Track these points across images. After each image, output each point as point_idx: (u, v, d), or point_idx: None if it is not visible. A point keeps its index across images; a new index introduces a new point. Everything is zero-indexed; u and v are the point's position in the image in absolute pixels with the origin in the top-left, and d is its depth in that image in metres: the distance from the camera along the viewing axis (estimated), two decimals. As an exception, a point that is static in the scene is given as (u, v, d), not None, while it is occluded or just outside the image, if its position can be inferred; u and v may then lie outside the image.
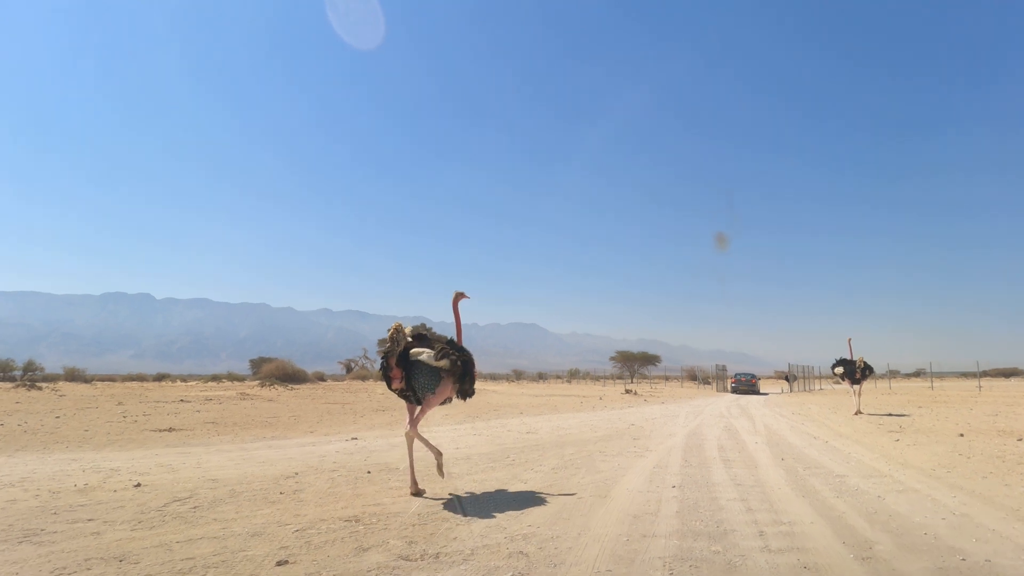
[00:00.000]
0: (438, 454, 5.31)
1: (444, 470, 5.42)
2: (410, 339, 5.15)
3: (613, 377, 63.12)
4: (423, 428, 10.61)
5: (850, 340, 14.74)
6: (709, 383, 45.43)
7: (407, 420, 5.21)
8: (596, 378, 65.05)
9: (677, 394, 31.14)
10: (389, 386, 5.16)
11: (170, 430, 10.43)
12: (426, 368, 5.07)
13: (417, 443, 5.19)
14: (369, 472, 6.13)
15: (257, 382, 30.00)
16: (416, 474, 5.21)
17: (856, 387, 14.33)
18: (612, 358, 67.85)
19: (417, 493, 5.08)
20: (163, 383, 33.83)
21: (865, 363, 14.06)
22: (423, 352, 5.09)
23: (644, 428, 11.16)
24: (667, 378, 62.06)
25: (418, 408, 5.23)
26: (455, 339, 5.49)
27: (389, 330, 5.01)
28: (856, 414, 13.65)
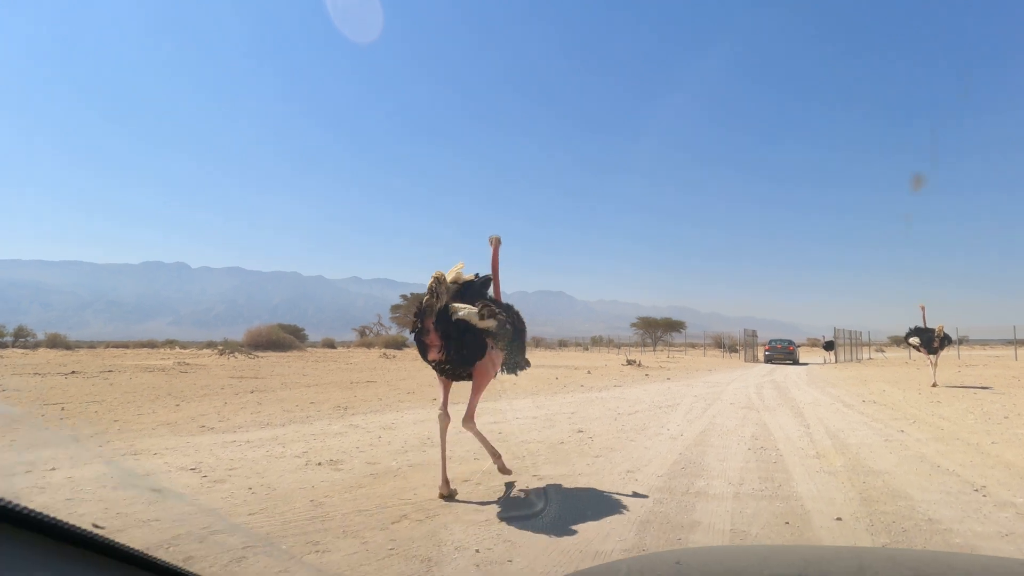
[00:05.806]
0: (496, 455, 4.03)
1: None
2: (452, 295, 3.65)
3: (636, 345, 58.96)
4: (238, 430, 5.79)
5: (923, 307, 13.96)
6: (736, 351, 40.37)
7: (440, 401, 3.83)
8: (617, 346, 61.13)
9: (696, 364, 26.00)
10: (424, 356, 3.67)
11: None
12: (473, 329, 3.55)
13: (445, 438, 3.79)
14: None
15: (218, 349, 27.36)
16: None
17: (933, 357, 13.87)
18: (633, 324, 64.09)
19: (449, 495, 3.66)
20: (161, 349, 32.32)
21: (944, 332, 13.66)
22: (462, 308, 3.53)
23: (595, 442, 6.09)
24: (692, 346, 57.27)
25: (448, 386, 3.90)
26: (493, 296, 4.05)
27: (430, 280, 3.55)
28: (933, 386, 13.04)
